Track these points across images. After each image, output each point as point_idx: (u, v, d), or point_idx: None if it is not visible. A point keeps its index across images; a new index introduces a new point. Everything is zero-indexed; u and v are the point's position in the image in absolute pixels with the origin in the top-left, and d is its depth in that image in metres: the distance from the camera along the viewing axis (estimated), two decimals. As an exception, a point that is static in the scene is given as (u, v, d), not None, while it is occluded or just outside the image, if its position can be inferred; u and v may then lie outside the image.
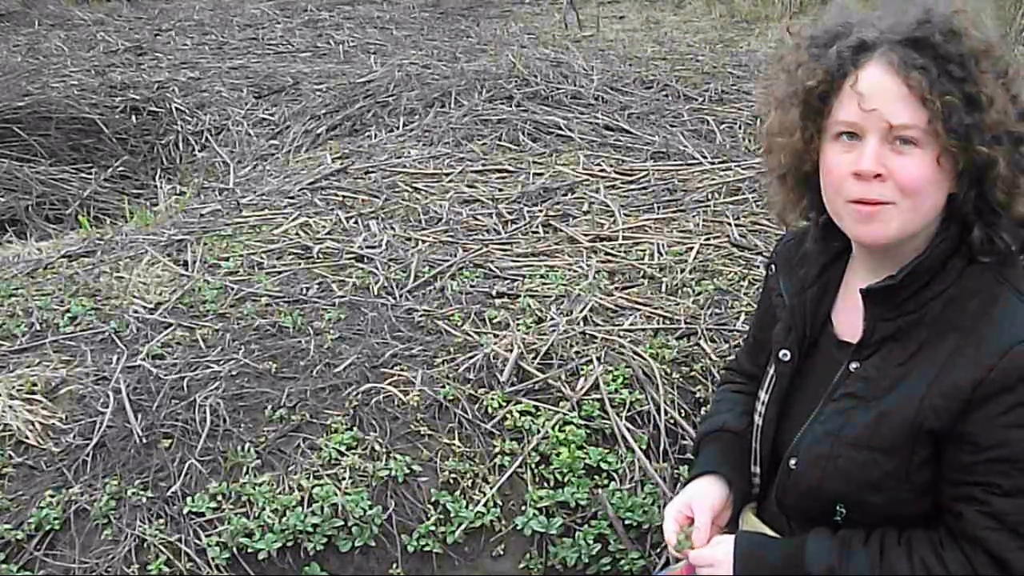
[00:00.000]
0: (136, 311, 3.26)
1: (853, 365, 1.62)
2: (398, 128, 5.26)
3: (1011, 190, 1.53)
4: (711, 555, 1.69)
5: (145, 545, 2.41)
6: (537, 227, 3.87)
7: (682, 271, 3.46)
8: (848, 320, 1.69)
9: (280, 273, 3.52)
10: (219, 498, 2.50)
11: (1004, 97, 1.51)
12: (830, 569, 1.58)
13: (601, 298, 3.25)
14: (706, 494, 1.79)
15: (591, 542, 2.56)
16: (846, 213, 1.57)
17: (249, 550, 2.41)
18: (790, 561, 1.62)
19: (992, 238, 1.55)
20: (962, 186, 1.53)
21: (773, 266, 1.83)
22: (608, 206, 4.02)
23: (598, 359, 2.91)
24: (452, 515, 2.54)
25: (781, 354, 1.73)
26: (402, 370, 2.88)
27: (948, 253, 1.57)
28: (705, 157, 4.56)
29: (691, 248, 3.63)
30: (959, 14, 1.54)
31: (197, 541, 2.42)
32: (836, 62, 1.54)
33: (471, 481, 2.61)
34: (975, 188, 1.53)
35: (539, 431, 2.70)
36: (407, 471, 2.57)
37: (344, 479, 2.54)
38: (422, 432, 2.69)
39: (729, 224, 3.82)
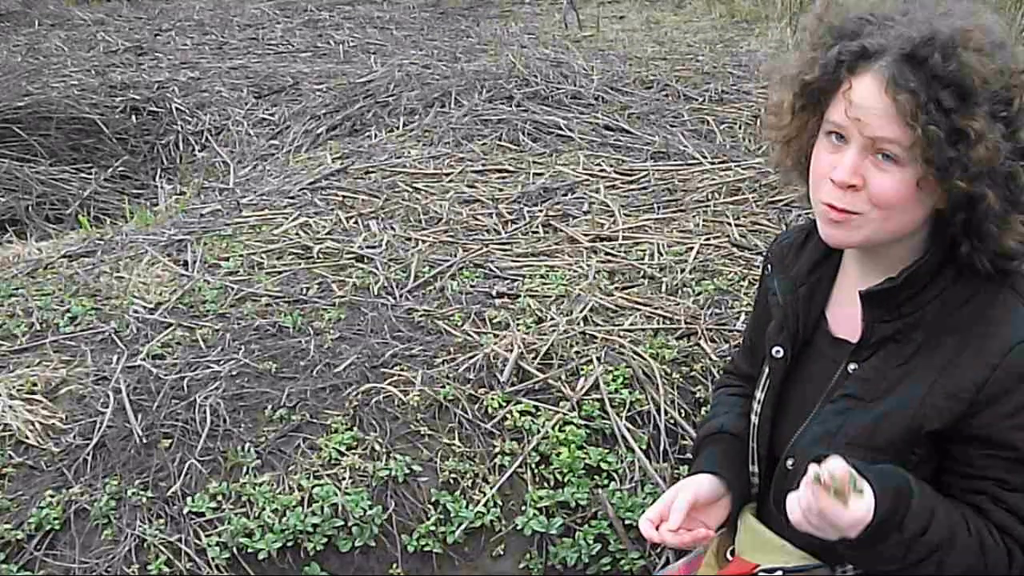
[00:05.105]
0: (136, 311, 3.26)
1: (852, 367, 1.62)
2: (398, 128, 5.25)
3: (1001, 224, 1.50)
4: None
5: (145, 545, 2.41)
6: (537, 227, 3.87)
7: (682, 271, 3.46)
8: (843, 317, 1.69)
9: (280, 273, 3.52)
10: (219, 498, 2.50)
11: (997, 132, 1.45)
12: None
13: (601, 298, 3.25)
14: (693, 483, 1.77)
15: (591, 542, 2.56)
16: (819, 211, 1.58)
17: (249, 550, 2.42)
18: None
19: (974, 262, 1.53)
20: (950, 206, 1.51)
21: (769, 265, 1.84)
22: (608, 206, 4.02)
23: (598, 359, 2.91)
24: (452, 515, 2.54)
25: (774, 351, 1.72)
26: (402, 370, 2.88)
27: (944, 257, 1.57)
28: (705, 157, 4.56)
29: (691, 248, 3.63)
30: (968, 34, 1.46)
31: (197, 541, 2.43)
32: (834, 64, 1.53)
33: (471, 481, 2.61)
34: (963, 213, 1.51)
35: (539, 431, 2.70)
36: (407, 471, 2.58)
37: (344, 479, 2.54)
38: (422, 432, 2.69)
39: (729, 224, 3.82)
